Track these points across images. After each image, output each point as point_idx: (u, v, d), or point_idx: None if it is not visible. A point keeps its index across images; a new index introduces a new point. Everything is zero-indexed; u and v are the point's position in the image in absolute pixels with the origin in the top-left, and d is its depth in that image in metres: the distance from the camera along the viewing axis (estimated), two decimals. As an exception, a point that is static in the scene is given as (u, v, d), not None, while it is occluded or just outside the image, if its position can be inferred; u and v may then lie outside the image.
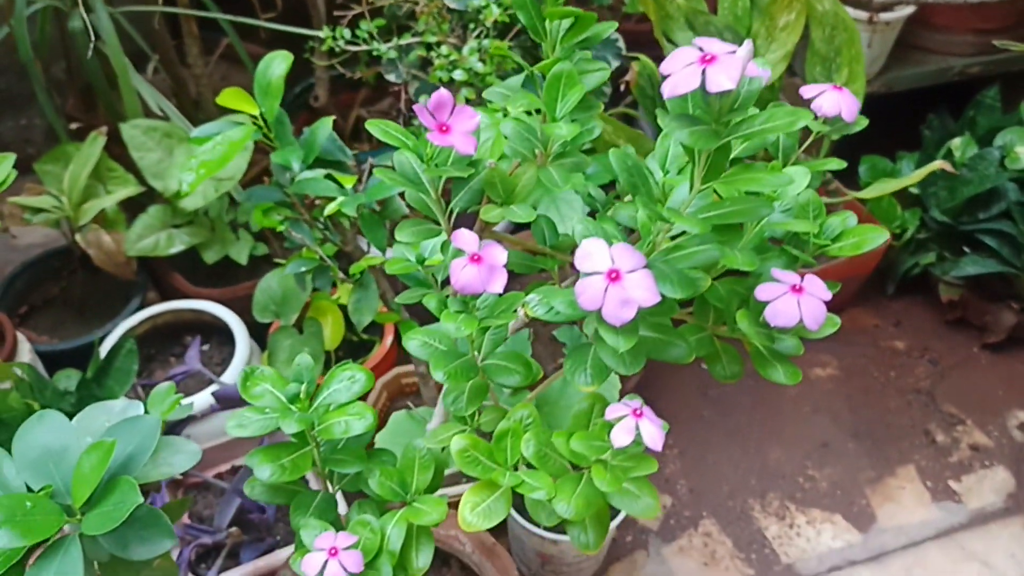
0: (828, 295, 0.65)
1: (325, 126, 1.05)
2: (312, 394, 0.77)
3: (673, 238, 0.62)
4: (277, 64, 1.02)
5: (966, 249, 1.58)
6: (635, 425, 0.60)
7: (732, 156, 0.59)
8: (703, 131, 0.52)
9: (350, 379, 0.77)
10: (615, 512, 1.25)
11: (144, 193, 1.41)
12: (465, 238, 0.64)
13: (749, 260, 0.63)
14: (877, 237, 0.71)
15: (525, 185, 0.71)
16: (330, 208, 1.03)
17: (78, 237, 1.33)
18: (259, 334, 1.40)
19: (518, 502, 0.84)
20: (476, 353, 0.72)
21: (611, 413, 0.61)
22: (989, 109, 1.62)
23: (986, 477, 1.45)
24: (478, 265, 0.63)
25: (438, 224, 0.75)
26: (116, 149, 1.39)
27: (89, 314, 1.47)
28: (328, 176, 1.06)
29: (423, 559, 0.79)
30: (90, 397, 1.19)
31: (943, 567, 1.34)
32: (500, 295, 0.67)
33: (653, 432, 0.59)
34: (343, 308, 1.39)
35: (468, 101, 1.21)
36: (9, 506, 0.65)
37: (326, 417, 0.75)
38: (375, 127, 0.70)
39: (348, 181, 1.05)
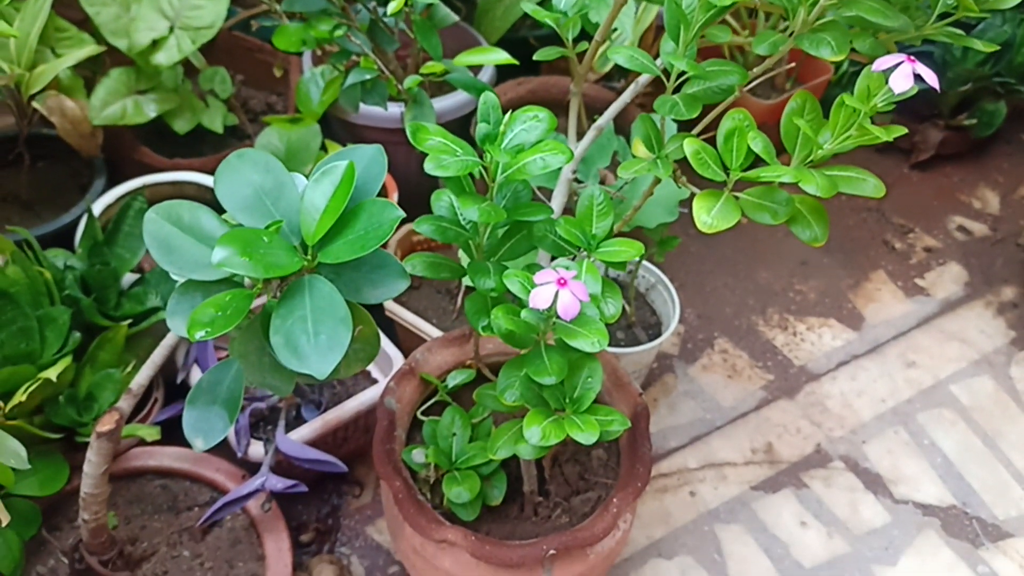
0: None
1: (373, -81, 0.98)
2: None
3: None
4: None
5: (893, 76, 1.71)
6: (912, 70, 0.61)
7: None
8: None
9: (534, 118, 0.73)
10: (660, 334, 1.27)
11: (91, 60, 1.25)
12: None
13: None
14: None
15: None
16: (394, 5, 0.97)
17: (36, 104, 1.16)
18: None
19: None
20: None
21: (882, 64, 0.62)
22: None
23: (944, 272, 1.59)
24: (731, -69, 0.62)
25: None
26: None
27: (39, 207, 1.29)
28: (377, -23, 0.99)
29: (612, 308, 0.77)
30: (102, 264, 1.06)
31: (930, 348, 1.47)
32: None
33: (931, 73, 0.61)
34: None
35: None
36: (246, 239, 0.57)
37: (520, 157, 0.71)
38: None
39: (405, -22, 0.99)
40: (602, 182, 1.27)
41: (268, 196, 0.60)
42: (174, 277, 0.60)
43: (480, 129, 0.72)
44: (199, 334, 0.56)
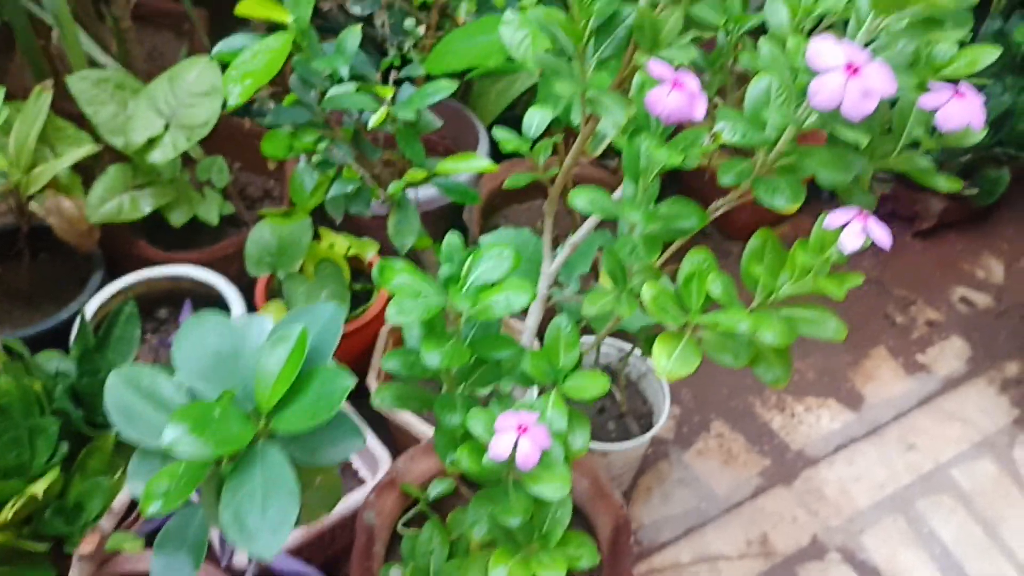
0: (982, 98, 0.69)
1: (354, 34, 1.00)
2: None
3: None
4: (304, -30, 0.95)
5: (892, 146, 1.70)
6: (863, 227, 0.61)
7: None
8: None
9: (498, 256, 0.73)
10: (652, 424, 1.27)
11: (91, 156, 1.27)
12: (660, 68, 0.63)
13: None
14: (988, 55, 0.76)
15: (672, 28, 0.70)
16: (375, 119, 0.98)
17: (34, 206, 1.19)
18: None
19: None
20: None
21: (834, 221, 0.62)
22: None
23: (945, 347, 1.58)
24: (680, 91, 0.62)
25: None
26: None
27: (39, 300, 1.31)
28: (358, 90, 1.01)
29: (580, 441, 0.77)
30: (93, 371, 1.07)
31: (931, 429, 1.45)
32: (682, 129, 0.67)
33: (882, 233, 0.61)
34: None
35: (468, 13, 1.18)
36: (197, 414, 0.57)
37: (483, 295, 0.71)
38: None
39: (386, 92, 1.01)
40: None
41: (224, 363, 0.61)
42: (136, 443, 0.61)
43: (442, 271, 0.72)
44: (151, 508, 0.57)
